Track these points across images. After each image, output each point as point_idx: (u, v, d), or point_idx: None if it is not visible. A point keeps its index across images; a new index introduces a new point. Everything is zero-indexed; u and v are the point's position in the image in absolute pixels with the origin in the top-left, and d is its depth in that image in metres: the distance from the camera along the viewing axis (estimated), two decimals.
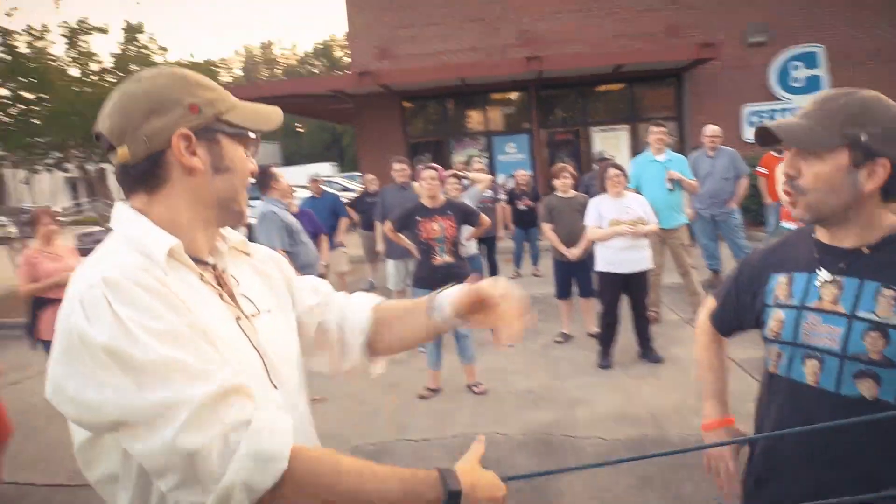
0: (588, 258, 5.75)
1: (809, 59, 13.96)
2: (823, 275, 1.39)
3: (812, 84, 13.92)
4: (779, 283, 1.50)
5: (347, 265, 8.70)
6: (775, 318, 1.49)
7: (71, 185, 31.17)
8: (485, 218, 5.12)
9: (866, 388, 1.31)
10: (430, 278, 4.76)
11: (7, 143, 8.97)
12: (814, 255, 1.42)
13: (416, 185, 7.33)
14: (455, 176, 6.39)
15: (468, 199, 6.27)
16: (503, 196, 9.51)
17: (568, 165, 6.25)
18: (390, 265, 7.32)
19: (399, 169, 7.33)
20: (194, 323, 0.99)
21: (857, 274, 1.35)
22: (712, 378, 1.77)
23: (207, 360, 0.96)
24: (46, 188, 9.58)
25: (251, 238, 4.57)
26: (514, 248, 9.70)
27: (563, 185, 6.03)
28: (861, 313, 1.32)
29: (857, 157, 1.31)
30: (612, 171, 5.23)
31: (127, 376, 0.91)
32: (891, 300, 1.27)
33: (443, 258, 4.75)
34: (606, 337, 5.32)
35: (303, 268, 4.74)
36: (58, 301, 3.29)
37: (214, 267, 1.17)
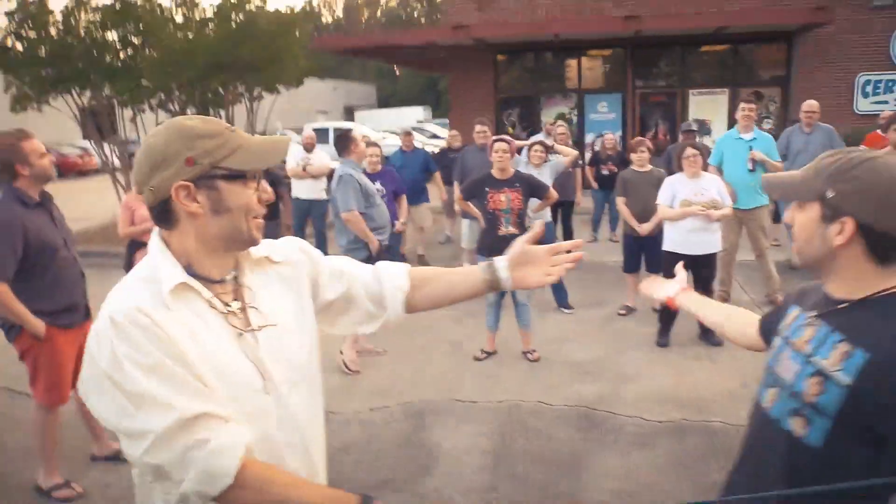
0: (659, 234, 5.69)
1: None
2: (811, 317, 1.45)
3: None
4: (789, 315, 1.56)
5: (430, 220, 8.94)
6: (772, 344, 1.57)
7: None
8: (552, 192, 5.17)
9: (797, 426, 1.38)
10: (494, 247, 4.88)
11: (116, 84, 9.59)
12: (819, 299, 1.47)
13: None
14: (542, 144, 6.35)
15: (548, 169, 6.30)
16: (584, 160, 9.41)
17: (646, 139, 6.14)
18: (465, 224, 7.46)
19: (480, 131, 7.40)
20: (180, 354, 1.20)
21: (830, 323, 1.39)
22: None
23: (179, 391, 1.17)
24: (150, 125, 10.27)
25: (329, 198, 4.82)
26: (593, 212, 9.63)
27: (640, 158, 5.95)
28: (814, 358, 1.37)
29: (826, 213, 1.35)
30: (689, 151, 5.14)
31: (117, 399, 1.17)
32: (842, 354, 1.32)
33: (507, 229, 4.86)
34: (666, 316, 5.32)
35: (376, 229, 4.97)
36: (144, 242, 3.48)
37: (236, 279, 1.36)
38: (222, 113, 11.47)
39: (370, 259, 4.92)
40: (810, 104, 7.55)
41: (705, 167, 5.54)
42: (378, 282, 1.60)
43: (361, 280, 1.60)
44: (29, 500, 3.51)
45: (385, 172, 6.56)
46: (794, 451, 1.40)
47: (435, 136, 28.56)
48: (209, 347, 1.25)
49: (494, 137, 5.11)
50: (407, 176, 8.32)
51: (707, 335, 5.33)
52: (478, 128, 7.46)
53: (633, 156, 6.05)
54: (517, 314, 5.13)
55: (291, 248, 1.50)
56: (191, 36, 9.53)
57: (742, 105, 6.42)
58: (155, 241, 1.32)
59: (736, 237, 6.36)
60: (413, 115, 50.29)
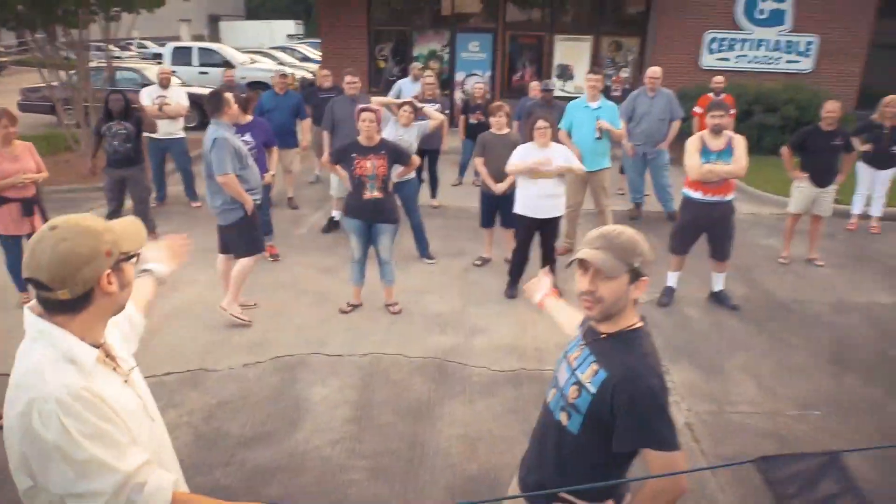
0: (512, 193, 6.23)
1: None
2: (581, 342, 1.98)
3: (775, 17, 14.11)
4: (572, 336, 2.11)
5: (298, 165, 9.04)
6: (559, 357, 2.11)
7: None
8: (415, 159, 5.52)
9: (563, 417, 1.96)
10: (359, 209, 5.25)
11: None
12: (589, 328, 1.99)
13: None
14: (411, 106, 6.61)
15: (416, 129, 6.62)
16: (452, 101, 9.69)
17: (504, 105, 6.55)
18: (333, 180, 7.66)
19: (350, 82, 7.53)
20: (112, 414, 1.51)
21: (590, 348, 1.94)
22: None
23: (120, 452, 1.49)
24: None
25: (202, 159, 4.86)
26: (460, 158, 10.06)
27: (498, 122, 6.40)
28: (577, 372, 1.93)
29: (632, 277, 1.85)
30: (540, 123, 5.62)
31: (69, 467, 1.44)
32: (592, 371, 1.87)
33: (372, 193, 5.19)
34: (516, 271, 5.94)
35: (249, 190, 5.13)
36: (14, 199, 3.82)
37: (104, 343, 1.67)
38: (73, 32, 10.74)
39: (245, 218, 5.13)
40: (654, 70, 8.27)
41: (555, 134, 6.06)
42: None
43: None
44: None
45: (255, 124, 6.61)
46: (561, 435, 1.97)
47: (307, 59, 27.66)
48: (117, 397, 1.59)
49: (361, 106, 5.32)
50: (277, 118, 8.33)
51: None
52: (348, 78, 7.59)
53: (492, 119, 6.48)
54: (381, 272, 5.56)
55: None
56: None
57: (588, 76, 6.99)
58: (49, 327, 1.55)
59: (581, 196, 7.07)
60: (284, 28, 48.03)
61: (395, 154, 5.31)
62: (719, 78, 10.12)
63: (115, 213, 7.36)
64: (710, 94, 10.06)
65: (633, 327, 1.92)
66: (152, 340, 5.01)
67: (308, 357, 4.78)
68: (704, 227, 5.71)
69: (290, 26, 48.68)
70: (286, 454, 3.68)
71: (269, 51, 26.84)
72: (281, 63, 23.57)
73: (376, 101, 6.68)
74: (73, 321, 1.56)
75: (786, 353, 5.07)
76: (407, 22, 14.76)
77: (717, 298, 5.97)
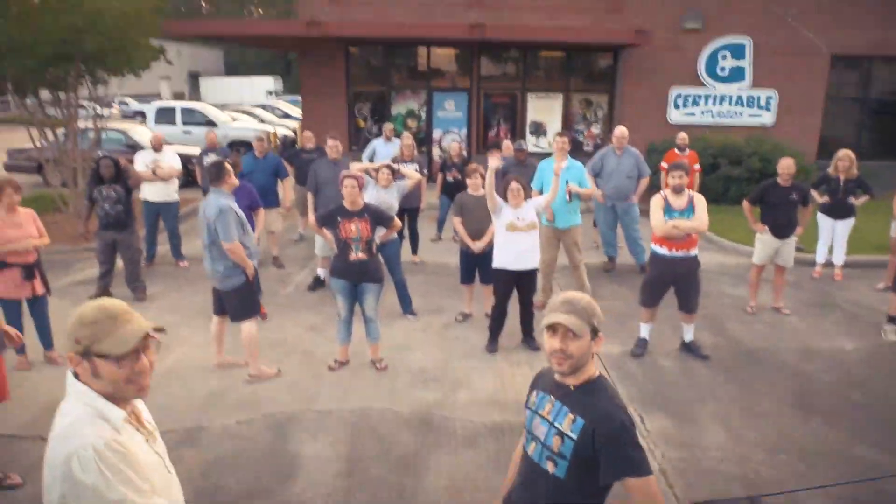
0: (490, 250, 6.55)
1: (737, 50, 14.82)
2: (550, 397, 2.24)
3: (735, 74, 14.86)
4: (532, 394, 2.39)
5: (281, 224, 9.32)
6: (526, 414, 2.36)
7: None
8: (396, 222, 5.82)
9: (549, 466, 2.20)
10: (345, 270, 5.53)
11: None
12: (551, 383, 2.26)
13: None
14: (389, 168, 6.96)
15: (395, 190, 6.96)
16: (431, 157, 10.09)
17: (479, 168, 6.89)
18: (318, 241, 7.93)
19: (332, 146, 7.89)
20: (139, 466, 1.78)
21: (562, 401, 2.21)
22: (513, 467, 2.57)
23: (146, 495, 1.77)
24: None
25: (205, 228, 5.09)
26: (438, 214, 10.42)
27: (475, 184, 6.75)
28: (555, 423, 2.19)
29: (591, 335, 2.15)
30: (513, 185, 5.95)
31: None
32: (570, 420, 2.13)
33: (357, 255, 5.47)
34: (495, 326, 6.21)
35: (249, 255, 5.37)
36: (14, 265, 4.13)
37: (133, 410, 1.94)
38: (62, 95, 11.07)
39: (246, 283, 5.36)
40: (620, 130, 8.74)
41: (528, 193, 6.36)
42: None
43: None
44: None
45: (242, 189, 6.90)
46: (550, 482, 2.22)
47: (287, 116, 28.25)
48: (141, 452, 1.85)
49: (344, 173, 5.62)
50: (258, 180, 8.64)
51: (527, 340, 6.30)
52: (330, 142, 7.95)
53: (468, 180, 6.83)
54: (366, 330, 5.79)
55: None
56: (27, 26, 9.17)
57: (556, 138, 7.38)
58: (81, 387, 1.84)
59: (555, 251, 7.41)
60: (263, 84, 48.87)
61: (378, 217, 5.60)
62: (683, 135, 10.65)
63: (106, 274, 7.55)
64: (675, 150, 10.56)
65: (595, 377, 2.22)
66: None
67: (299, 413, 4.96)
68: (671, 280, 6.04)
69: (269, 82, 49.57)
70: (265, 489, 3.86)
71: (250, 108, 27.39)
72: (262, 121, 24.08)
73: (357, 167, 7.03)
74: (92, 384, 1.84)
75: (754, 400, 5.35)
76: (385, 82, 15.29)
77: (688, 348, 6.26)
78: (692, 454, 4.54)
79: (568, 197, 7.18)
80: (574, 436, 2.13)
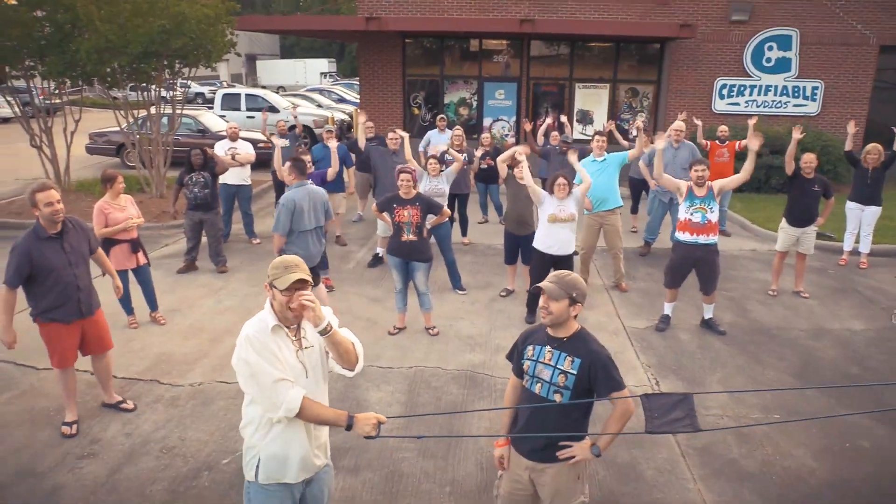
0: (532, 233, 7.36)
1: (784, 42, 15.12)
2: (547, 348, 3.07)
3: (781, 65, 15.18)
4: (527, 349, 3.20)
5: (345, 206, 10.31)
6: (526, 363, 3.18)
7: None
8: (445, 210, 6.71)
9: (557, 397, 3.02)
10: (398, 249, 6.53)
11: (49, 64, 10.47)
12: (545, 338, 3.08)
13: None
14: (435, 158, 7.85)
15: (445, 177, 7.82)
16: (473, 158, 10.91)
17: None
18: (379, 223, 8.84)
19: (392, 138, 8.79)
20: (274, 356, 2.70)
21: (559, 349, 3.04)
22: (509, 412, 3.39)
23: (277, 368, 2.70)
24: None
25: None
26: (479, 199, 11.28)
27: (520, 172, 7.52)
28: (558, 365, 3.01)
29: (570, 302, 2.96)
30: (560, 181, 6.70)
31: (247, 368, 2.68)
32: (569, 361, 2.96)
33: (408, 237, 6.44)
34: (532, 301, 7.03)
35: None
36: (124, 241, 5.43)
37: (299, 326, 2.83)
38: (144, 86, 12.29)
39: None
40: (678, 125, 9.41)
41: (570, 187, 7.11)
42: None
43: None
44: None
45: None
46: (557, 410, 3.05)
47: (342, 100, 29.32)
48: (284, 353, 2.78)
49: (399, 167, 6.59)
50: (327, 167, 9.60)
51: None
52: (390, 135, 8.87)
53: (514, 171, 7.62)
54: (420, 301, 6.73)
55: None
56: (123, 26, 10.33)
57: (596, 136, 8.11)
58: (267, 307, 2.81)
59: (594, 238, 8.14)
60: (317, 67, 50.17)
61: (428, 206, 6.53)
62: (723, 127, 11.17)
63: (193, 249, 8.64)
64: (717, 142, 11.11)
65: (580, 330, 3.09)
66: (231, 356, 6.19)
67: (365, 368, 5.87)
68: (692, 264, 6.75)
69: (323, 65, 50.85)
70: (352, 439, 4.79)
71: (307, 93, 28.53)
72: (320, 105, 25.16)
73: (407, 157, 7.97)
74: (273, 304, 2.80)
75: (759, 370, 6.07)
76: (438, 72, 16.09)
77: (707, 325, 6.98)
78: (696, 410, 5.29)
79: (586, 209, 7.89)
80: (574, 371, 2.98)
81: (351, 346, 2.89)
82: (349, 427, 2.76)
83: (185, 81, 13.16)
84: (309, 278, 2.80)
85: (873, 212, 9.14)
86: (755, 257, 9.73)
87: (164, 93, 12.77)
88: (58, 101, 13.94)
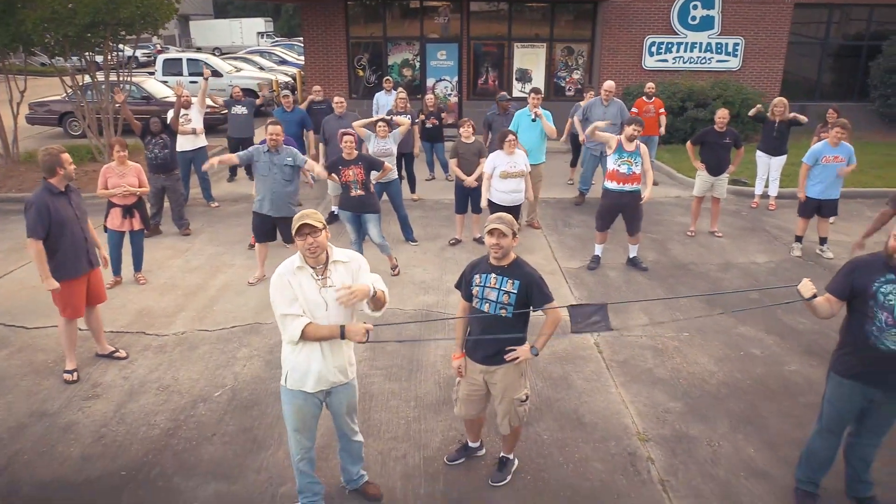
0: (479, 186, 8.15)
1: (707, 0, 16.02)
2: (492, 275, 3.85)
3: (705, 23, 16.12)
4: (475, 278, 3.96)
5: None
6: (475, 289, 3.94)
7: None
8: (386, 166, 7.46)
9: (503, 312, 3.83)
10: (348, 204, 7.36)
11: None
12: (489, 267, 3.86)
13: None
14: (384, 121, 8.48)
15: (392, 138, 8.48)
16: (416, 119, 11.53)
17: (469, 119, 8.43)
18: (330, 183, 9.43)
19: (338, 102, 9.37)
20: (293, 292, 3.42)
21: (501, 274, 3.83)
22: (461, 326, 4.17)
23: (290, 305, 3.43)
24: None
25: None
26: (426, 158, 11.95)
27: (466, 132, 8.28)
28: (502, 287, 3.80)
29: (513, 236, 3.75)
30: (510, 137, 7.49)
31: (276, 307, 3.42)
32: (511, 283, 3.76)
33: (356, 192, 7.26)
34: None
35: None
36: (119, 205, 6.24)
37: (325, 265, 3.52)
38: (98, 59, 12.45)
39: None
40: (609, 85, 10.20)
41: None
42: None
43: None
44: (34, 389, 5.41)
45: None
46: (503, 322, 3.83)
47: (284, 62, 29.26)
48: (305, 289, 3.46)
49: (341, 131, 7.34)
50: (287, 132, 10.09)
51: None
52: (336, 99, 9.46)
53: (461, 130, 8.35)
54: (380, 249, 7.56)
55: (353, 258, 3.67)
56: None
57: (531, 95, 8.85)
58: (298, 252, 3.49)
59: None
60: (253, 26, 49.21)
61: (369, 164, 7.32)
62: (650, 84, 12.01)
63: (157, 213, 9.12)
64: (644, 98, 11.99)
65: (516, 259, 3.87)
66: (215, 306, 6.85)
67: None
68: (619, 209, 7.63)
69: (259, 24, 49.84)
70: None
71: (248, 55, 28.35)
72: (261, 68, 25.15)
73: (357, 125, 8.57)
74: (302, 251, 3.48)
75: (675, 300, 7.03)
76: (381, 34, 16.50)
77: (632, 263, 7.92)
78: (620, 334, 6.22)
79: (533, 116, 8.77)
80: (515, 291, 3.77)
81: (383, 295, 3.60)
82: (343, 336, 3.48)
83: (124, 48, 13.26)
84: (316, 224, 3.41)
85: (780, 160, 10.20)
86: (679, 203, 10.72)
87: (102, 60, 12.90)
88: None
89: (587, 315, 3.65)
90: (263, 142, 7.22)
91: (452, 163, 8.42)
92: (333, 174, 7.32)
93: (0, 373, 5.62)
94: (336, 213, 9.49)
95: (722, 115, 8.68)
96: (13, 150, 13.07)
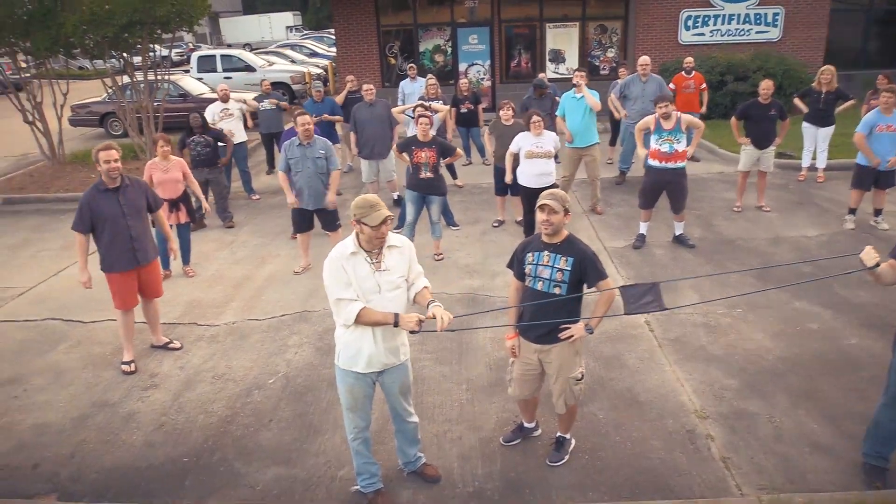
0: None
1: None
2: (545, 253, 3.80)
3: None
4: (527, 257, 3.92)
5: (338, 158, 10.88)
6: (527, 268, 3.91)
7: None
8: (459, 151, 7.53)
9: (556, 290, 3.78)
10: (417, 185, 7.40)
11: (35, 40, 11.01)
12: (541, 245, 3.81)
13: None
14: (422, 107, 8.46)
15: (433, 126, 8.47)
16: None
17: (510, 102, 8.37)
18: (363, 164, 9.46)
19: (367, 89, 9.34)
20: (347, 276, 3.42)
21: (555, 252, 3.78)
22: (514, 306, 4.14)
23: (345, 289, 3.43)
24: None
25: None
26: (461, 143, 11.90)
27: (506, 115, 8.21)
28: (555, 265, 3.76)
29: (565, 213, 3.69)
30: (535, 118, 7.39)
31: (331, 291, 3.43)
32: (564, 260, 3.71)
33: (426, 174, 7.29)
34: (527, 230, 7.77)
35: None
36: (165, 199, 6.33)
37: (380, 250, 3.52)
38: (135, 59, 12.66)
39: None
40: (644, 60, 10.02)
41: (550, 123, 7.82)
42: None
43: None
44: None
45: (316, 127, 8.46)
46: (557, 302, 3.78)
47: (315, 54, 29.38)
48: (359, 273, 3.45)
49: (418, 112, 7.47)
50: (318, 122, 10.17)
51: None
52: (365, 87, 9.42)
53: (500, 112, 8.30)
54: (432, 230, 7.64)
55: (406, 244, 3.67)
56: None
57: (575, 73, 8.73)
58: (352, 236, 3.47)
59: (573, 168, 8.87)
60: (282, 21, 49.53)
61: (443, 148, 7.36)
62: (689, 59, 11.76)
63: (201, 207, 9.21)
64: (683, 73, 11.74)
65: (569, 235, 3.82)
66: (263, 296, 6.94)
67: None
68: (662, 187, 7.50)
69: (288, 18, 50.15)
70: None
71: (279, 49, 28.53)
72: (293, 61, 25.29)
73: (396, 111, 8.56)
74: (357, 234, 3.47)
75: (725, 276, 6.88)
76: (412, 20, 16.42)
77: (678, 240, 7.78)
78: (671, 312, 6.10)
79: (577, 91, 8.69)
80: (569, 268, 3.72)
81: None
82: (396, 324, 3.48)
83: (161, 48, 13.45)
84: (390, 213, 3.46)
85: (827, 131, 9.91)
86: (722, 179, 10.50)
87: (140, 60, 13.10)
88: (28, 74, 14.14)
89: (639, 295, 3.59)
90: (291, 132, 7.27)
91: (489, 142, 8.46)
92: (405, 154, 7.36)
93: (61, 366, 5.78)
94: (396, 198, 9.61)
95: (766, 86, 8.45)
96: (59, 151, 13.37)
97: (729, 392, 4.91)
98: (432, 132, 8.44)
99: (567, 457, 4.25)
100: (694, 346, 5.58)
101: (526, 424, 4.48)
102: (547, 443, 4.41)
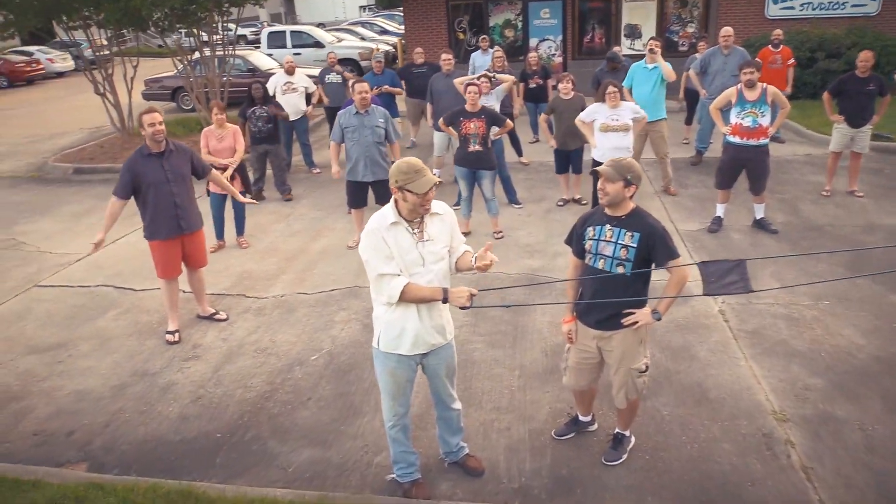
0: (580, 145, 7.65)
1: None
2: (607, 227, 3.37)
3: None
4: (588, 231, 3.49)
5: (400, 131, 10.62)
6: (588, 243, 3.48)
7: None
8: (508, 122, 7.03)
9: (620, 269, 3.35)
10: (465, 159, 6.97)
11: (106, 13, 11.09)
12: (604, 218, 3.38)
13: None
14: (486, 77, 8.04)
15: (494, 95, 8.03)
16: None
17: (569, 74, 7.87)
18: (436, 136, 9.14)
19: (446, 59, 8.97)
20: (389, 249, 3.08)
21: (618, 226, 3.34)
22: (572, 287, 3.72)
23: (387, 264, 3.08)
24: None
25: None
26: (529, 120, 11.42)
27: (566, 88, 7.73)
28: (619, 241, 3.32)
29: (625, 183, 3.25)
30: (611, 88, 6.88)
31: (371, 267, 3.10)
32: (629, 236, 3.28)
33: (474, 147, 6.85)
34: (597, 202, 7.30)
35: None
36: (219, 168, 6.05)
37: (422, 219, 3.18)
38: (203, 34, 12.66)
39: None
40: (726, 30, 9.30)
41: (622, 93, 7.28)
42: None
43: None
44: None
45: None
46: (620, 280, 3.36)
47: (385, 31, 29.19)
48: (401, 245, 3.12)
49: (467, 82, 6.98)
50: (378, 94, 9.90)
51: None
52: (444, 56, 9.04)
53: (560, 85, 7.81)
54: (487, 207, 7.21)
55: (447, 211, 3.34)
56: None
57: (650, 42, 8.14)
58: (391, 205, 3.15)
59: (641, 145, 8.29)
60: (356, 0, 49.66)
61: (493, 118, 6.86)
62: (777, 31, 10.92)
63: (259, 179, 9.13)
64: (770, 47, 10.90)
65: (635, 208, 3.38)
66: (314, 269, 6.73)
67: None
68: (742, 165, 6.88)
69: None
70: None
71: (350, 27, 28.47)
72: (363, 38, 25.16)
73: (458, 81, 8.15)
74: (398, 203, 3.14)
75: (811, 264, 6.26)
76: None
77: (759, 224, 7.15)
78: (748, 300, 5.57)
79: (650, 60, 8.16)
80: (634, 245, 3.29)
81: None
82: (445, 300, 3.15)
83: (228, 24, 13.43)
84: (438, 179, 3.16)
85: None
86: (809, 161, 9.70)
87: (210, 36, 13.13)
88: (106, 52, 14.39)
89: (722, 274, 3.11)
90: (349, 102, 6.99)
91: (542, 118, 8.27)
92: (452, 126, 7.03)
93: (107, 333, 5.71)
94: (436, 174, 9.21)
95: (865, 57, 7.64)
96: (128, 123, 13.58)
97: (813, 393, 4.38)
98: (494, 103, 8.06)
99: (625, 456, 3.84)
100: (774, 339, 5.03)
101: (581, 417, 4.09)
102: (603, 439, 4.01)
